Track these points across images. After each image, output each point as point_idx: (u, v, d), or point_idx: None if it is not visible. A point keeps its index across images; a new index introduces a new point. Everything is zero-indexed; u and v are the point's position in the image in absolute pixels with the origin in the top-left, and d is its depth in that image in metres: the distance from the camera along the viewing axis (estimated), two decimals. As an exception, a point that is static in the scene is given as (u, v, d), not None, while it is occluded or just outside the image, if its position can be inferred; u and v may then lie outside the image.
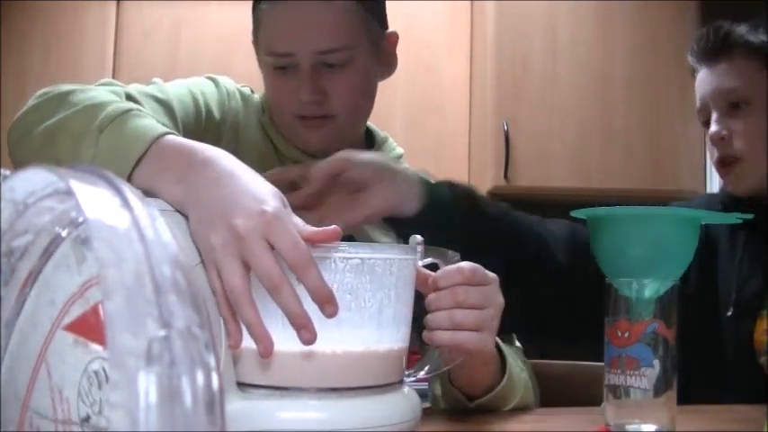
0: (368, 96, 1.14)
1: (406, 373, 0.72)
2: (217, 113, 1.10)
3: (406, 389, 0.71)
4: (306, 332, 0.60)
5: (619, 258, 0.80)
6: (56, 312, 0.45)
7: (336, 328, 0.63)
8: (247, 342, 0.62)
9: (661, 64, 2.63)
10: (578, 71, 2.60)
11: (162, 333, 0.34)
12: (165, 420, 0.33)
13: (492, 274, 0.79)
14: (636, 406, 0.75)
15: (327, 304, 0.61)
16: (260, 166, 0.97)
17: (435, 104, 2.71)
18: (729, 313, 1.18)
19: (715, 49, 1.26)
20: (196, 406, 0.34)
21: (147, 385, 0.33)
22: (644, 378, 0.74)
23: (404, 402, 0.69)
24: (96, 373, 0.42)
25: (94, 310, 0.43)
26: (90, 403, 0.42)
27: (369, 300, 0.65)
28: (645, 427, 0.74)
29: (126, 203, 0.39)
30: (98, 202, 0.38)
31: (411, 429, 0.69)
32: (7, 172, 0.45)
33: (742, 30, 1.28)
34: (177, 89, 1.06)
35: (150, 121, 0.78)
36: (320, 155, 1.03)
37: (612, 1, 2.63)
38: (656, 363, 0.74)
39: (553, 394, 1.06)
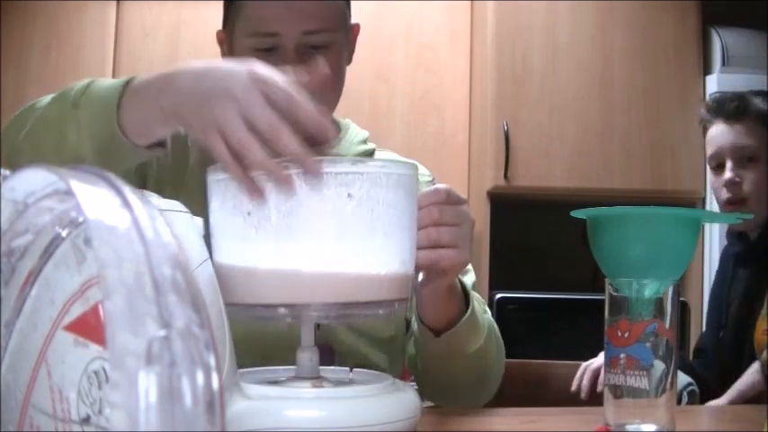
0: (341, 81, 1.15)
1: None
2: None
3: (406, 388, 0.71)
4: (309, 164, 0.64)
5: (619, 258, 0.80)
6: (56, 312, 0.45)
7: (351, 242, 0.65)
8: (265, 264, 0.64)
9: (661, 64, 2.62)
10: (578, 71, 2.60)
11: (162, 333, 0.34)
12: (165, 420, 0.33)
13: (463, 196, 0.84)
14: (636, 406, 0.75)
15: (325, 131, 0.68)
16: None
17: (435, 104, 2.71)
18: (721, 335, 1.51)
19: (735, 112, 1.59)
20: (196, 406, 0.34)
21: (147, 385, 0.33)
22: (644, 378, 0.74)
23: (403, 401, 0.69)
24: (96, 373, 0.42)
25: (94, 310, 0.43)
26: (90, 403, 0.42)
27: (395, 213, 0.67)
28: (645, 427, 0.74)
29: (126, 203, 0.39)
30: (98, 202, 0.38)
31: (410, 428, 0.69)
32: (7, 172, 0.45)
33: (756, 100, 1.60)
34: None
35: (113, 80, 0.84)
36: None
37: (612, 1, 2.63)
38: (656, 363, 0.74)
39: (555, 394, 1.06)
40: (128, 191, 0.40)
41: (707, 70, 2.64)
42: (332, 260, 0.64)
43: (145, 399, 0.33)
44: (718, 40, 2.60)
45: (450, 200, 0.81)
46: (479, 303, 1.00)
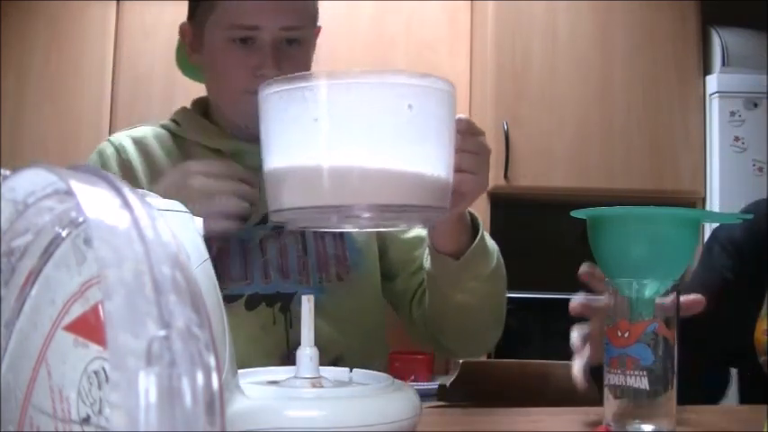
0: None
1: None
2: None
3: (406, 388, 0.71)
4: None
5: (619, 258, 0.80)
6: (56, 312, 0.45)
7: (392, 147, 0.69)
8: (297, 162, 0.69)
9: (661, 64, 2.62)
10: (578, 71, 2.60)
11: (162, 333, 0.34)
12: (165, 420, 0.33)
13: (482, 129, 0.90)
14: (636, 406, 0.74)
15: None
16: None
17: (435, 104, 2.70)
18: None
19: None
20: (196, 406, 0.34)
21: (147, 385, 0.33)
22: (644, 378, 0.73)
23: (403, 401, 0.69)
24: (96, 373, 0.42)
25: (94, 310, 0.43)
26: (90, 403, 0.42)
27: (443, 126, 0.72)
28: (645, 427, 0.74)
29: (126, 203, 0.39)
30: (98, 202, 0.38)
31: (410, 428, 0.69)
32: (7, 172, 0.45)
33: None
34: None
35: None
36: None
37: (612, 1, 2.63)
38: (657, 363, 0.74)
39: (555, 394, 1.06)
40: (128, 191, 0.40)
41: (707, 70, 2.64)
42: (387, 164, 0.69)
43: (145, 399, 0.33)
44: (718, 40, 2.60)
45: (470, 129, 0.87)
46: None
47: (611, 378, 0.75)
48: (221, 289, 1.04)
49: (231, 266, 1.11)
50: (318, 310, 1.12)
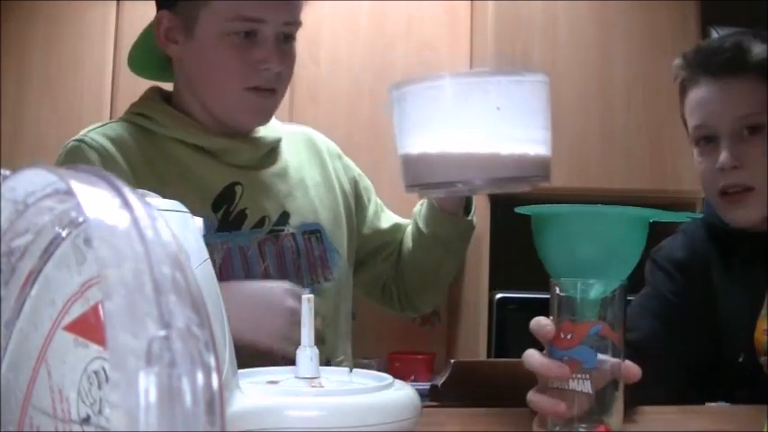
0: None
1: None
2: None
3: (406, 388, 0.71)
4: None
5: (565, 258, 0.77)
6: (56, 312, 0.45)
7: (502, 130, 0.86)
8: (424, 148, 0.85)
9: (661, 64, 2.62)
10: (578, 71, 2.60)
11: (162, 333, 0.34)
12: (165, 420, 0.33)
13: None
14: (582, 408, 0.72)
15: None
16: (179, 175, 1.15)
17: (435, 104, 2.71)
18: (741, 359, 1.12)
19: (729, 66, 1.12)
20: (196, 406, 0.34)
21: (147, 385, 0.33)
22: (586, 381, 0.71)
23: (403, 401, 0.69)
24: (96, 373, 0.42)
25: (94, 310, 0.43)
26: (90, 403, 0.42)
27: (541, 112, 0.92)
28: (592, 428, 0.72)
29: (126, 203, 0.39)
30: (98, 202, 0.38)
31: (410, 428, 0.69)
32: (7, 172, 0.45)
33: (758, 47, 1.11)
34: None
35: None
36: (260, 124, 1.17)
37: (612, 1, 2.63)
38: (601, 365, 0.72)
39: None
40: (128, 191, 0.40)
41: (707, 70, 2.64)
42: (535, 145, 0.91)
43: (145, 399, 0.33)
44: (718, 40, 2.60)
45: None
46: None
47: (555, 381, 0.73)
48: None
49: (236, 278, 1.11)
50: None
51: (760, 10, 2.49)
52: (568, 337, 0.73)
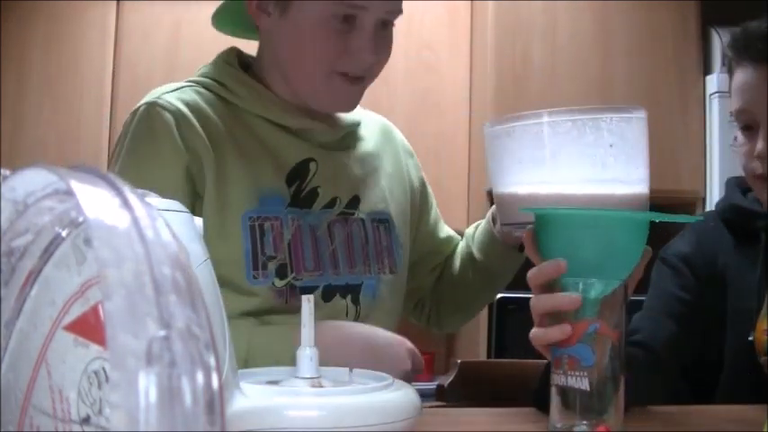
0: None
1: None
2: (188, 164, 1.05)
3: (406, 388, 0.71)
4: None
5: (567, 258, 0.77)
6: (56, 312, 0.45)
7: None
8: (511, 188, 0.88)
9: (661, 64, 2.62)
10: (578, 71, 2.60)
11: (162, 333, 0.34)
12: (165, 420, 0.33)
13: None
14: (581, 407, 0.73)
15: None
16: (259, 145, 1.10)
17: (435, 104, 2.71)
18: (750, 338, 1.13)
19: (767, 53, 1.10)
20: (196, 406, 0.34)
21: (147, 385, 0.33)
22: (584, 379, 0.72)
23: (403, 401, 0.69)
24: (96, 373, 0.42)
25: (94, 310, 0.43)
26: (90, 403, 0.42)
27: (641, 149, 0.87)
28: (591, 427, 0.73)
29: (126, 203, 0.39)
30: (98, 202, 0.38)
31: (410, 428, 0.69)
32: (7, 172, 0.45)
33: None
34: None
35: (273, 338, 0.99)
36: (344, 110, 1.14)
37: (612, 1, 2.63)
38: (598, 363, 0.72)
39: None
40: (128, 191, 0.40)
41: (707, 70, 2.64)
42: (611, 187, 0.86)
43: (145, 399, 0.33)
44: (718, 40, 2.60)
45: None
46: None
47: (555, 378, 0.74)
48: (295, 280, 1.06)
49: (304, 257, 1.08)
50: (378, 302, 1.15)
51: (760, 10, 2.49)
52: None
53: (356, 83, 1.09)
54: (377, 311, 1.14)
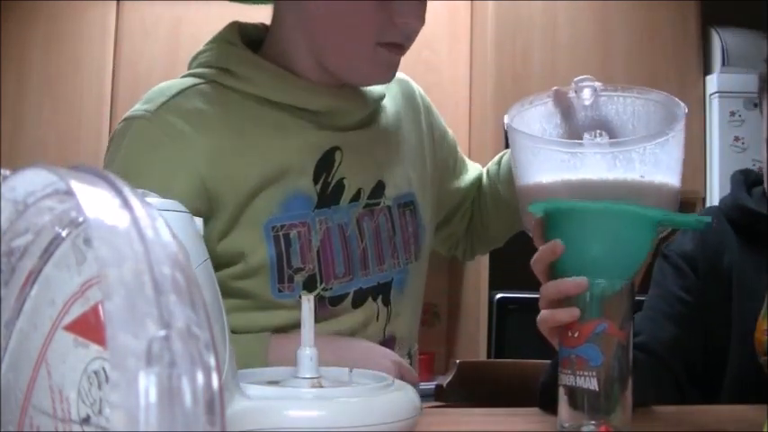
0: None
1: None
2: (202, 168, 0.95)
3: (406, 388, 0.71)
4: None
5: (572, 255, 0.77)
6: (56, 312, 0.45)
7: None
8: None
9: (661, 64, 2.62)
10: (578, 71, 2.59)
11: (162, 333, 0.34)
12: (164, 420, 0.33)
13: None
14: (589, 407, 0.73)
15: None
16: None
17: (435, 104, 2.70)
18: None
19: None
20: (196, 406, 0.34)
21: (147, 385, 0.33)
22: (592, 378, 0.72)
23: (403, 401, 0.69)
24: (96, 373, 0.42)
25: (94, 310, 0.43)
26: (90, 403, 0.42)
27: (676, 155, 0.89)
28: (598, 427, 0.73)
29: (126, 203, 0.39)
30: (98, 202, 0.38)
31: (410, 428, 0.69)
32: (7, 172, 0.45)
33: None
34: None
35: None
36: (385, 82, 1.07)
37: (612, 1, 2.63)
38: (606, 363, 0.73)
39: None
40: (128, 191, 0.40)
41: (707, 70, 2.64)
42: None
43: (145, 399, 0.33)
44: (718, 40, 2.60)
45: None
46: None
47: (564, 378, 0.74)
48: (325, 290, 1.02)
49: (334, 263, 1.01)
50: (406, 294, 1.11)
51: (760, 10, 2.49)
52: (575, 335, 0.74)
53: (400, 52, 1.02)
54: (405, 306, 1.10)
